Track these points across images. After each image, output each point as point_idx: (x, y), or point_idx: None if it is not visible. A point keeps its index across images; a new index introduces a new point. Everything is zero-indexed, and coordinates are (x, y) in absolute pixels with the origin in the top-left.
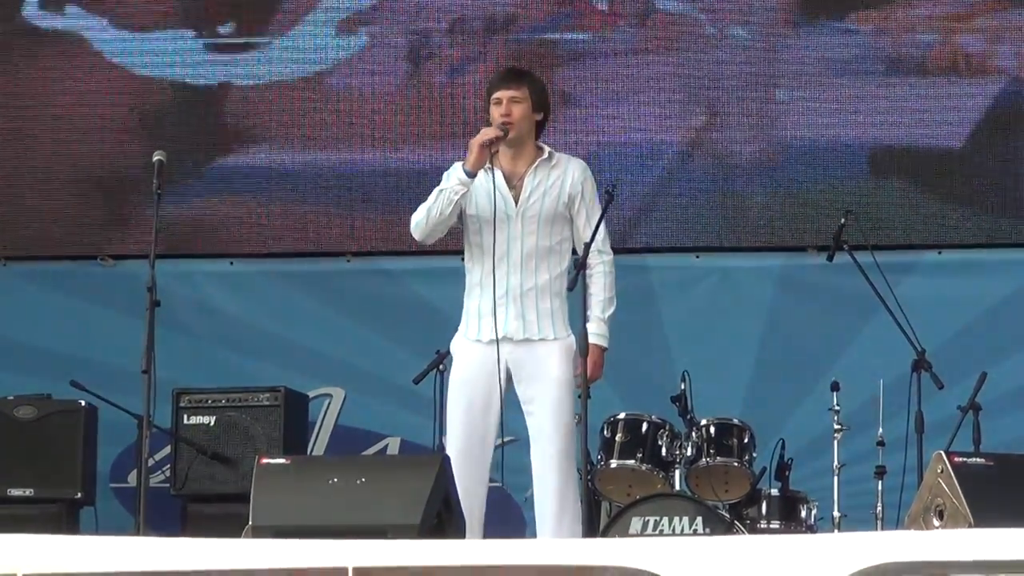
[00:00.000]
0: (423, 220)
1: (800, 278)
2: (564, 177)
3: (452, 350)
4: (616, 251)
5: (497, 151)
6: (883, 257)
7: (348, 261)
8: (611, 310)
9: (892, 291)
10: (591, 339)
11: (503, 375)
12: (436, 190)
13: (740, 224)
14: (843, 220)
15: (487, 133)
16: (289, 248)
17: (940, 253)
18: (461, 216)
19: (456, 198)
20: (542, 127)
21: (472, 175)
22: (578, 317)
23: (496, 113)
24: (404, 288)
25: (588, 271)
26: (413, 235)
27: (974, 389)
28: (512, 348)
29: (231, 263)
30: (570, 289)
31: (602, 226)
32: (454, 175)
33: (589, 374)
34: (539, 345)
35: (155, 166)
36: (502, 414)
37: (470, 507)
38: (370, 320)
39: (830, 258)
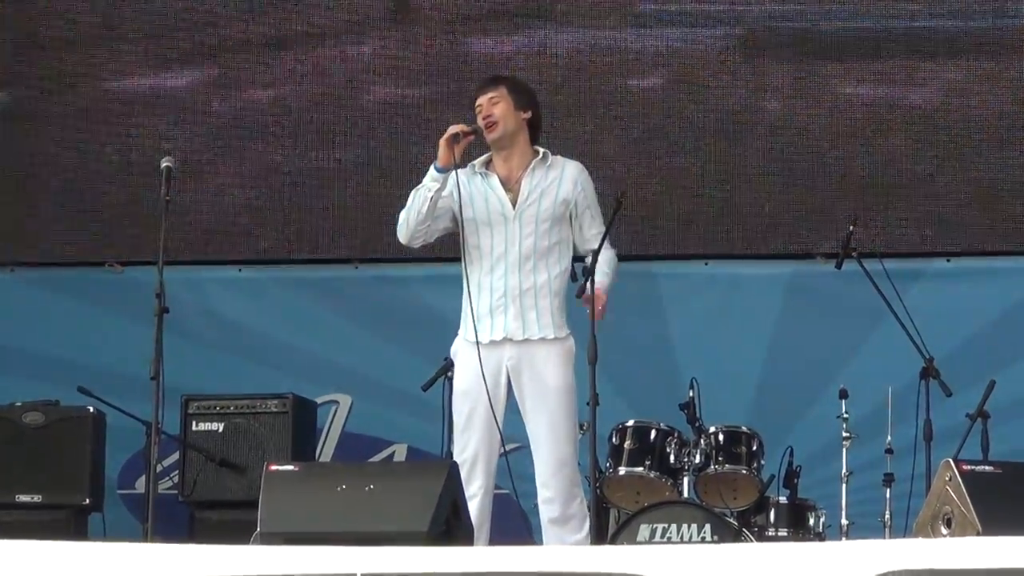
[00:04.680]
0: (403, 221)
1: (808, 286)
2: (561, 178)
3: (453, 354)
4: (624, 258)
5: (493, 147)
6: (892, 265)
7: (356, 268)
8: (611, 277)
9: (900, 299)
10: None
11: (505, 380)
12: (413, 190)
13: (748, 231)
14: (851, 228)
15: (452, 129)
16: (297, 255)
17: (949, 261)
18: (458, 220)
19: (430, 195)
20: (535, 130)
21: (442, 171)
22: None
23: (480, 120)
24: (412, 295)
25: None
26: (399, 237)
27: (983, 397)
28: (512, 350)
29: (239, 270)
30: (578, 296)
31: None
32: (428, 174)
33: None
34: (538, 347)
35: (163, 172)
36: (503, 420)
37: (477, 514)
38: (378, 327)
39: (839, 266)
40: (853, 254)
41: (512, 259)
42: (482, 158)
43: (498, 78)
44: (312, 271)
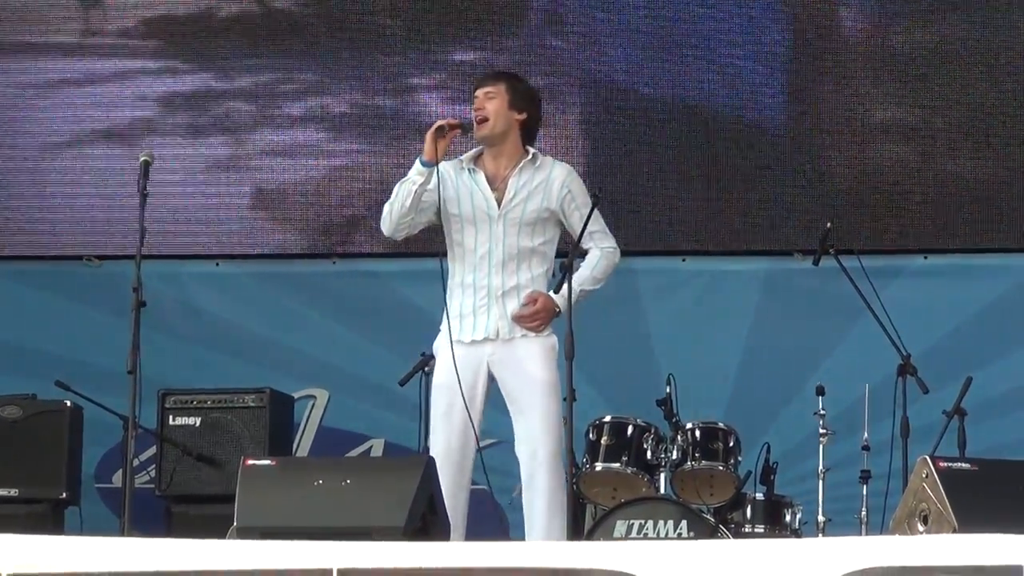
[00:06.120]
0: (387, 213)
1: (786, 282)
2: (549, 180)
3: (435, 350)
4: None
5: (480, 142)
6: (869, 261)
7: (334, 263)
8: (589, 286)
9: (878, 295)
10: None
11: (485, 376)
12: (398, 183)
13: (726, 228)
14: (829, 224)
15: (439, 122)
16: (275, 249)
17: (926, 258)
18: (444, 216)
19: (415, 188)
20: (531, 131)
21: (428, 164)
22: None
23: (472, 112)
24: (390, 290)
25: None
26: (382, 229)
27: (959, 394)
28: (494, 348)
29: (217, 264)
30: (555, 292)
31: (602, 223)
32: (413, 167)
33: (523, 314)
34: (520, 344)
35: (141, 166)
36: (481, 416)
37: (453, 509)
38: (355, 322)
39: (816, 262)
40: (831, 251)
41: (496, 259)
42: (471, 153)
43: (502, 73)
44: (290, 266)
